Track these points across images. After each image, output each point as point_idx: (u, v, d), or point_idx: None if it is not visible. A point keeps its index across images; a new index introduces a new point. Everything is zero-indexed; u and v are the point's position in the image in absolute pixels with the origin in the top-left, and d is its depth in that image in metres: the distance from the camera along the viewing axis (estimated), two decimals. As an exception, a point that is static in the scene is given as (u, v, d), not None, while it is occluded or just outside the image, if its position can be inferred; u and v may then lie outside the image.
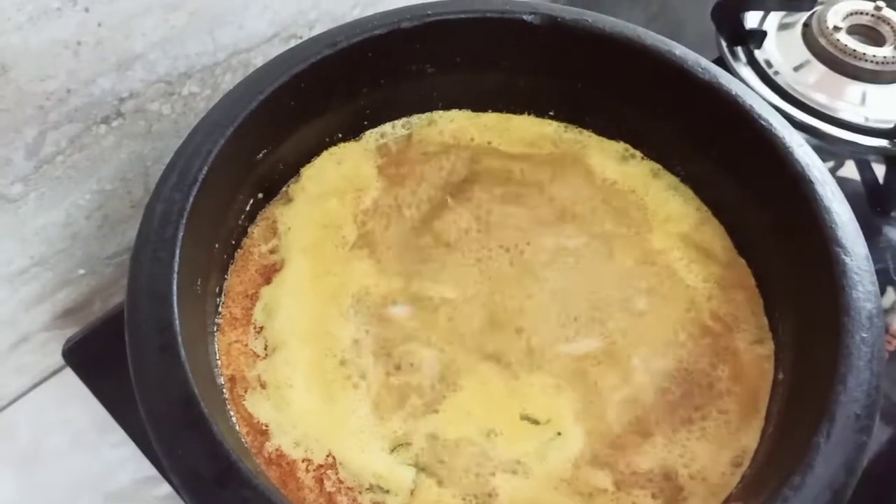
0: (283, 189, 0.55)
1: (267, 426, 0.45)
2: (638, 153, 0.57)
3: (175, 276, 0.40)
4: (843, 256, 0.42)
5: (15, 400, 0.64)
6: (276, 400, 0.46)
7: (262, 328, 0.49)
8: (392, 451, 0.45)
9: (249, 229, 0.53)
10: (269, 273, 0.51)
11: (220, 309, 0.49)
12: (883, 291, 0.64)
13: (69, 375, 0.59)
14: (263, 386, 0.46)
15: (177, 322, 0.39)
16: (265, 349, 0.48)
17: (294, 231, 0.53)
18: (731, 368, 0.48)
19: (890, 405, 0.58)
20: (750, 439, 0.45)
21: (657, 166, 0.56)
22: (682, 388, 0.47)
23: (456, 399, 0.47)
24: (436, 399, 0.47)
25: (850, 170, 0.72)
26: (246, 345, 0.48)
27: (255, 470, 0.39)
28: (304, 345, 0.48)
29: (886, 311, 0.62)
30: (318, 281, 0.51)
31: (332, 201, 0.54)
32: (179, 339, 0.38)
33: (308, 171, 0.55)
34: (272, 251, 0.52)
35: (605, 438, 0.45)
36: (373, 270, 0.51)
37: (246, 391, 0.46)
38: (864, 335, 0.40)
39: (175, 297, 0.40)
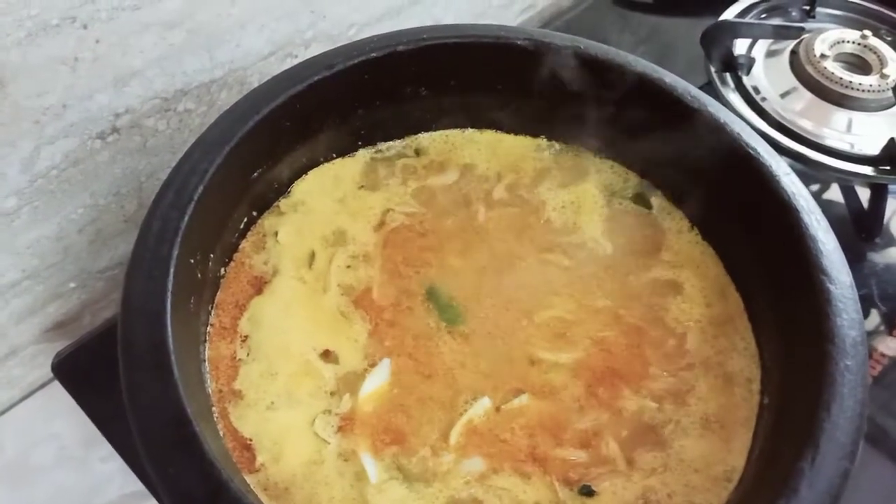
0: (276, 203, 0.55)
1: (251, 441, 0.45)
2: (632, 174, 0.58)
3: (169, 294, 0.41)
4: (828, 284, 0.43)
5: (3, 413, 0.64)
6: (255, 415, 0.46)
7: (246, 337, 0.49)
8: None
9: (241, 244, 0.53)
10: (259, 284, 0.52)
11: (211, 319, 0.50)
12: (867, 315, 0.65)
13: (58, 389, 0.59)
14: (242, 398, 0.47)
15: (170, 340, 0.39)
16: (248, 356, 0.49)
17: (283, 244, 0.53)
18: (716, 389, 0.49)
19: (875, 428, 0.58)
20: (736, 459, 0.46)
21: (650, 188, 0.57)
22: (665, 405, 0.48)
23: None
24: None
25: (835, 193, 0.73)
26: (233, 356, 0.49)
27: (245, 488, 0.39)
28: (284, 358, 0.49)
29: (871, 335, 0.63)
30: (305, 294, 0.51)
31: (323, 216, 0.55)
32: (172, 357, 0.39)
33: (300, 186, 0.56)
34: (263, 263, 0.53)
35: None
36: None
37: (230, 403, 0.47)
38: (849, 362, 0.41)
39: (169, 316, 0.40)
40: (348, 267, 0.53)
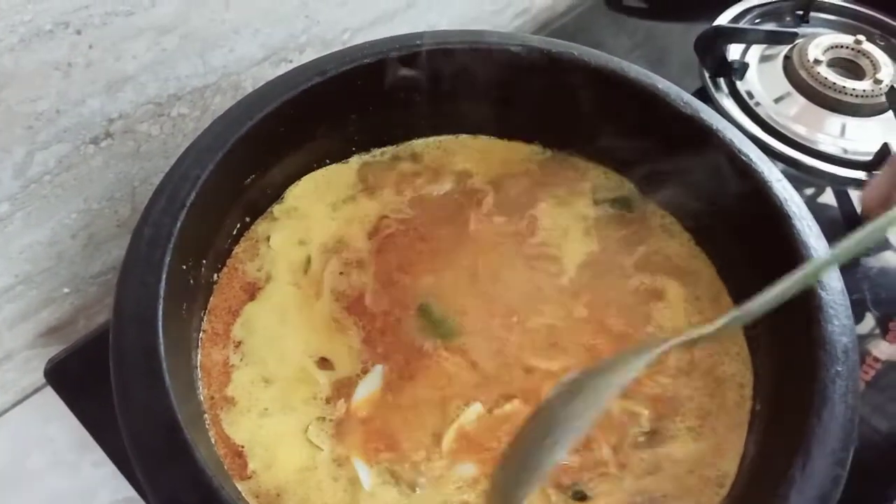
0: (269, 209, 0.55)
1: (242, 448, 0.45)
2: (624, 180, 0.58)
3: (161, 301, 0.41)
4: (820, 291, 0.43)
5: (-4, 417, 0.64)
6: (248, 421, 0.46)
7: (240, 343, 0.49)
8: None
9: (235, 249, 0.53)
10: (252, 290, 0.52)
11: (203, 325, 0.50)
12: (861, 319, 0.65)
13: (51, 393, 0.59)
14: (234, 404, 0.47)
15: (161, 347, 0.39)
16: (241, 362, 0.49)
17: (277, 250, 0.53)
18: (708, 394, 0.49)
19: (872, 431, 0.58)
20: (728, 465, 0.46)
21: (642, 195, 0.58)
22: (657, 410, 0.48)
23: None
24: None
25: (828, 197, 0.73)
26: (225, 362, 0.48)
27: (237, 496, 0.39)
28: (279, 364, 0.49)
29: (864, 339, 0.63)
30: (299, 300, 0.51)
31: (316, 221, 0.55)
32: (164, 365, 0.39)
33: (293, 192, 0.56)
34: (257, 269, 0.53)
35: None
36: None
37: (222, 410, 0.47)
38: (840, 368, 0.41)
39: (161, 323, 0.40)
40: (341, 273, 0.53)
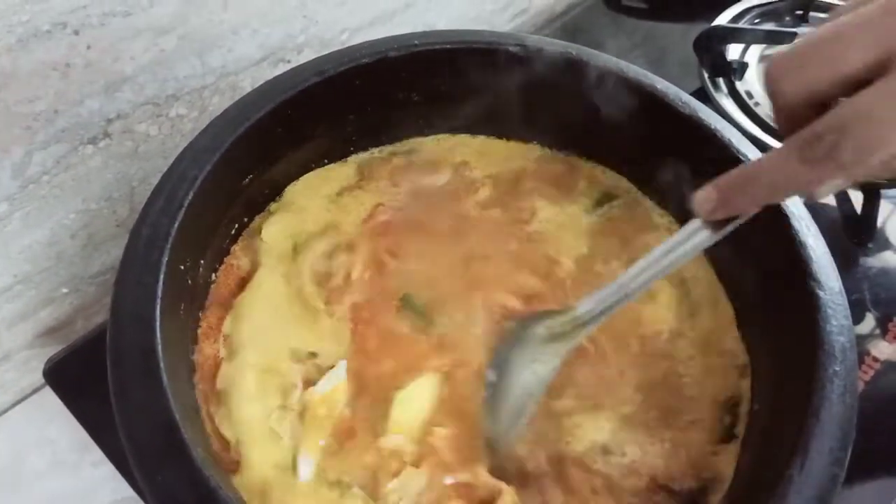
0: (267, 208, 0.55)
1: (231, 442, 0.45)
2: (622, 179, 0.58)
3: (159, 301, 0.40)
4: (818, 290, 0.43)
5: (-4, 417, 0.64)
6: (232, 415, 0.46)
7: (227, 336, 0.49)
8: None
9: (232, 249, 0.53)
10: (244, 284, 0.52)
11: (200, 324, 0.49)
12: (861, 319, 0.65)
13: (51, 393, 0.59)
14: (222, 398, 0.46)
15: (159, 347, 0.39)
16: (228, 354, 0.48)
17: (269, 242, 0.53)
18: (707, 398, 0.49)
19: (871, 431, 0.58)
20: (726, 465, 0.46)
21: (641, 194, 0.58)
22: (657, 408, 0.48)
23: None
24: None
25: (828, 197, 0.73)
26: (216, 355, 0.48)
27: (234, 495, 0.39)
28: (260, 354, 0.48)
29: (864, 339, 0.63)
30: (284, 290, 0.51)
31: (311, 214, 0.55)
32: (161, 364, 0.38)
33: (291, 189, 0.56)
34: (251, 264, 0.52)
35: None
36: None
37: (214, 405, 0.46)
38: (838, 368, 0.41)
39: (158, 323, 0.40)
40: (329, 259, 0.52)
